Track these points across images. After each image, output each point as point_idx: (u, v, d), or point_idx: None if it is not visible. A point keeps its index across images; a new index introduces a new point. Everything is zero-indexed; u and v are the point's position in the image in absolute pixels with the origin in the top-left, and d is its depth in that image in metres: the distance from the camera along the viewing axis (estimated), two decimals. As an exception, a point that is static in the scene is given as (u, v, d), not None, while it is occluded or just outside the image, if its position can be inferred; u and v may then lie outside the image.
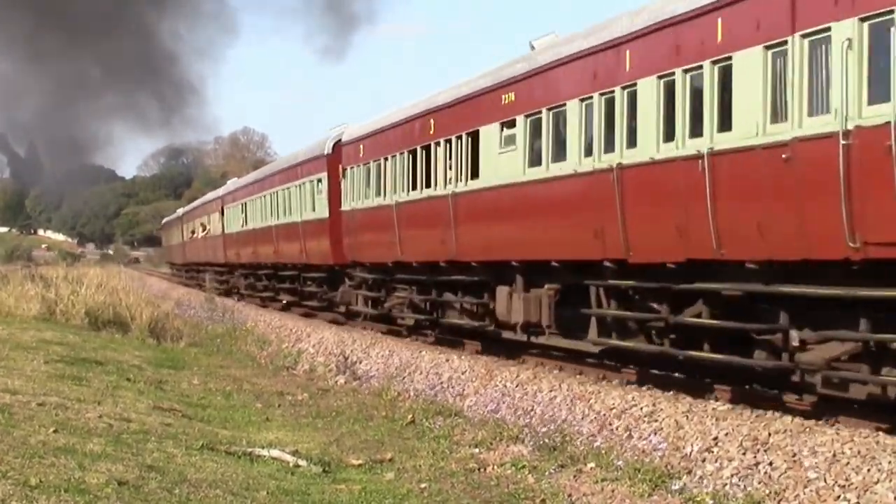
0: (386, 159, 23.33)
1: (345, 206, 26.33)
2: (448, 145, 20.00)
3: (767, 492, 9.36)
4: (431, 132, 20.79)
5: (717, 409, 12.11)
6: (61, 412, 11.78)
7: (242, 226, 41.53)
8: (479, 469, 11.61)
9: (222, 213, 47.26)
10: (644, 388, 14.26)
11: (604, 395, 13.52)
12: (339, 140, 27.65)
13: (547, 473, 11.19)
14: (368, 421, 14.85)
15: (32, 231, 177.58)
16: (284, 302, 36.62)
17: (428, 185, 20.94)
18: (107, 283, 33.14)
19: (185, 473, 9.39)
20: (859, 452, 9.46)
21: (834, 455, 9.52)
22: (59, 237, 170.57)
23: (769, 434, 10.43)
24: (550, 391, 14.51)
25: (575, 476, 10.96)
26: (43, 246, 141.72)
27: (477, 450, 12.57)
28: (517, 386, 15.34)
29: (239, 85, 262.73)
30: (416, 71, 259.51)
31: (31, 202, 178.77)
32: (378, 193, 23.90)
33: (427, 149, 20.98)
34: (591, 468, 11.09)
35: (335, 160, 27.57)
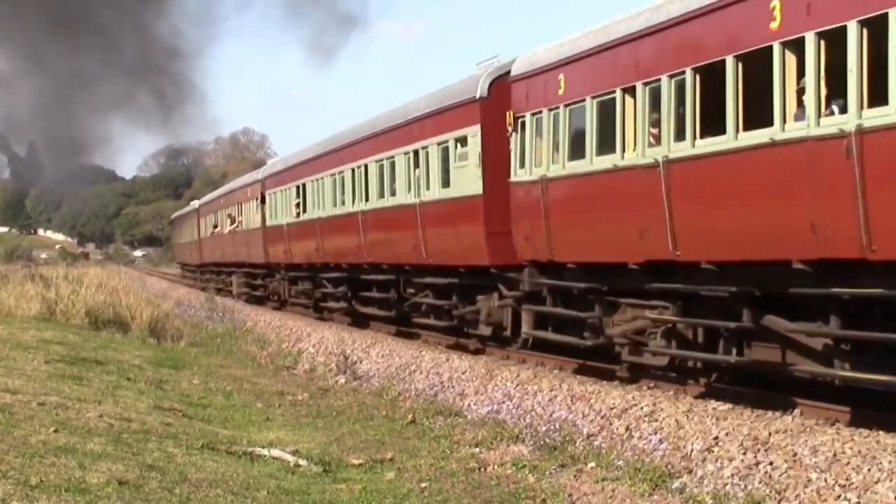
0: (628, 91, 13.89)
1: (519, 176, 17.00)
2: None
3: (768, 491, 9.36)
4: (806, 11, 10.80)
5: (718, 409, 12.11)
6: (62, 412, 11.78)
7: (298, 215, 31.20)
8: (479, 469, 11.61)
9: (262, 201, 36.49)
10: (644, 388, 14.26)
11: (604, 395, 13.52)
12: (506, 74, 17.92)
13: (547, 473, 11.19)
14: (369, 420, 14.85)
15: (32, 231, 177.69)
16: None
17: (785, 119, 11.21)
18: (107, 283, 33.14)
19: (185, 473, 9.39)
20: (860, 452, 9.46)
21: (834, 455, 9.52)
22: (59, 237, 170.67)
23: (769, 434, 10.43)
24: (551, 391, 14.51)
25: (575, 476, 10.96)
26: (57, 247, 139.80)
27: (477, 449, 12.57)
28: (517, 386, 15.34)
29: (238, 85, 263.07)
30: (414, 71, 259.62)
31: (31, 202, 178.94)
32: (607, 148, 14.47)
33: (794, 45, 11.04)
34: (591, 468, 11.09)
35: (496, 106, 17.90)
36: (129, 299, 29.22)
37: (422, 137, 21.09)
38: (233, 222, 42.76)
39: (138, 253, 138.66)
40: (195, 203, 60.83)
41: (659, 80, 13.24)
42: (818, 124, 10.76)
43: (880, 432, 10.35)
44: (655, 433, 11.59)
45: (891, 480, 8.79)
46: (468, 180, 18.78)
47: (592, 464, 11.18)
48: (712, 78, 12.35)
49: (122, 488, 8.25)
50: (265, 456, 11.06)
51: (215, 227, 47.97)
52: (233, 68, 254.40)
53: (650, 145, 13.48)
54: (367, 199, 24.66)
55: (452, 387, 16.81)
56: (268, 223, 35.56)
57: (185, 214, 67.18)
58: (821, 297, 11.21)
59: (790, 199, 11.14)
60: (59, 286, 29.29)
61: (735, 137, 11.99)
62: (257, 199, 37.41)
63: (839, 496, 8.85)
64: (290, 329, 28.02)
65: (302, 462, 10.99)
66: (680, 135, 12.92)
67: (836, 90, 10.66)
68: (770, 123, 11.41)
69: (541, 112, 16.29)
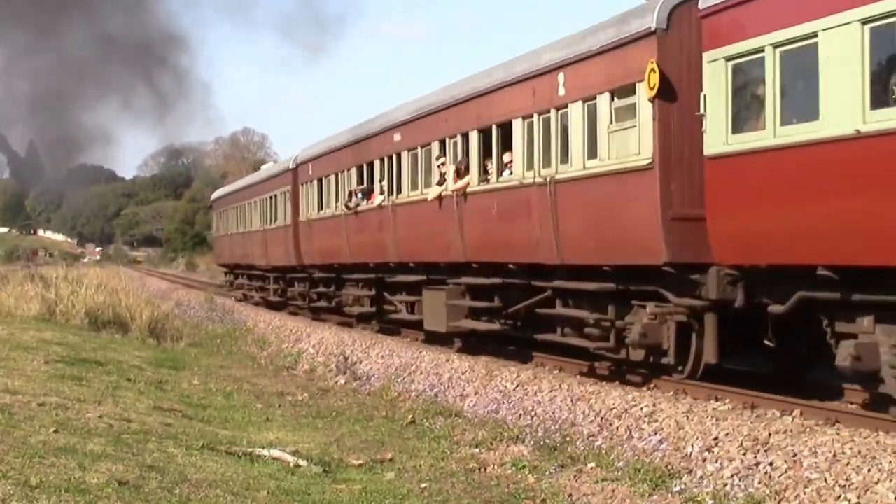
0: None
1: None
2: None
3: (768, 492, 9.36)
4: None
5: (718, 410, 12.11)
6: (61, 412, 11.78)
7: None
8: (479, 469, 11.61)
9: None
10: (644, 389, 14.26)
11: (604, 396, 13.52)
12: None
13: (547, 473, 11.19)
14: (369, 421, 14.85)
15: (32, 231, 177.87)
16: None
17: None
18: (106, 284, 33.13)
19: (185, 473, 9.39)
20: (860, 452, 9.46)
21: (834, 455, 9.52)
22: (59, 237, 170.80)
23: (769, 434, 10.43)
24: (550, 391, 14.51)
25: (575, 476, 10.96)
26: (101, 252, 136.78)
27: (477, 450, 12.57)
28: (517, 386, 15.34)
29: (239, 85, 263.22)
30: (412, 71, 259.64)
31: (31, 202, 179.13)
32: None
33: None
34: (591, 468, 11.09)
35: None
36: (128, 300, 29.21)
37: None
38: (461, 174, 18.58)
39: (139, 254, 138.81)
40: (272, 166, 38.24)
41: None
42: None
43: (880, 432, 10.36)
44: (655, 433, 11.59)
45: (891, 481, 8.79)
46: None
47: (592, 464, 11.18)
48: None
49: (121, 488, 8.24)
50: (265, 456, 11.05)
51: (357, 196, 24.77)
52: (232, 66, 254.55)
53: None
54: None
55: (452, 387, 16.81)
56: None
57: (245, 189, 41.01)
58: None
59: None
60: (58, 286, 29.28)
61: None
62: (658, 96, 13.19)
63: (839, 496, 8.85)
64: (290, 329, 28.01)
65: (302, 462, 10.98)
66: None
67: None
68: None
69: None
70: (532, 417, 13.72)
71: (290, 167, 32.19)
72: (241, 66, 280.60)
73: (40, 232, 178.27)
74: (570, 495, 10.43)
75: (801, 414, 11.75)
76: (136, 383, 16.13)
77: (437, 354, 19.40)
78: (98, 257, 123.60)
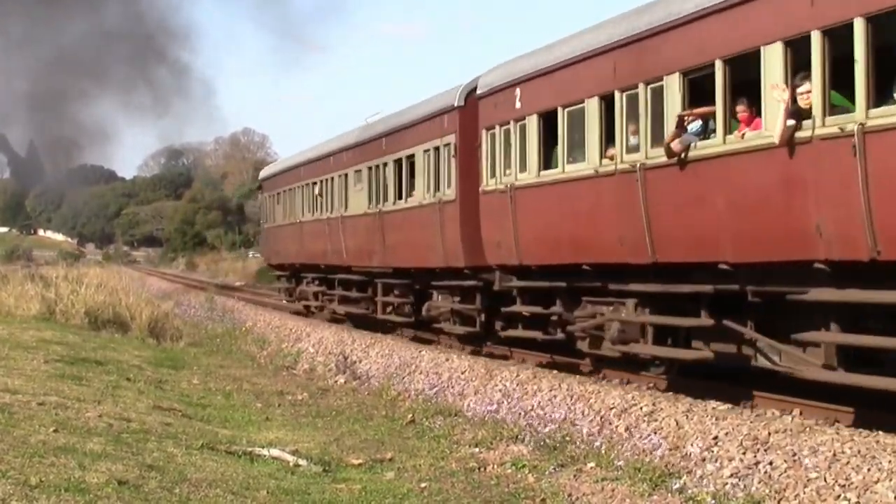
0: None
1: None
2: None
3: (768, 491, 9.36)
4: None
5: (717, 409, 12.12)
6: (61, 412, 11.78)
7: None
8: (479, 468, 11.60)
9: None
10: (644, 388, 14.26)
11: (604, 395, 13.52)
12: None
13: (547, 473, 11.19)
14: (368, 420, 14.85)
15: (32, 231, 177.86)
16: None
17: None
18: (106, 283, 33.12)
19: (185, 473, 9.39)
20: (859, 452, 9.46)
21: (834, 454, 9.52)
22: (59, 237, 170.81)
23: (769, 433, 10.43)
24: (550, 391, 14.51)
25: (575, 475, 10.95)
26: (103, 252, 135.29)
27: (477, 449, 12.57)
28: (517, 385, 15.34)
29: (238, 85, 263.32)
30: (412, 71, 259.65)
31: (31, 202, 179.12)
32: None
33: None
34: (591, 467, 11.08)
35: None
36: (128, 299, 29.20)
37: None
38: None
39: (138, 254, 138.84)
40: (401, 111, 23.98)
41: None
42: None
43: (880, 432, 10.36)
44: (655, 433, 11.59)
45: (890, 480, 8.79)
46: None
47: (592, 463, 11.18)
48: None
49: (121, 488, 8.24)
50: (265, 456, 11.06)
51: (690, 129, 12.72)
52: (231, 64, 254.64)
53: None
54: None
55: (452, 386, 16.81)
56: None
57: (334, 154, 28.16)
58: None
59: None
60: (58, 286, 29.27)
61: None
62: None
63: (839, 496, 8.85)
64: (290, 329, 28.00)
65: (301, 462, 10.98)
66: None
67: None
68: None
69: None
70: (532, 417, 13.71)
71: (455, 105, 19.90)
72: (239, 65, 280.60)
73: (40, 232, 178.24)
74: (569, 495, 10.42)
75: (801, 414, 11.75)
76: (135, 383, 16.13)
77: (437, 354, 19.41)
78: (100, 257, 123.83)
